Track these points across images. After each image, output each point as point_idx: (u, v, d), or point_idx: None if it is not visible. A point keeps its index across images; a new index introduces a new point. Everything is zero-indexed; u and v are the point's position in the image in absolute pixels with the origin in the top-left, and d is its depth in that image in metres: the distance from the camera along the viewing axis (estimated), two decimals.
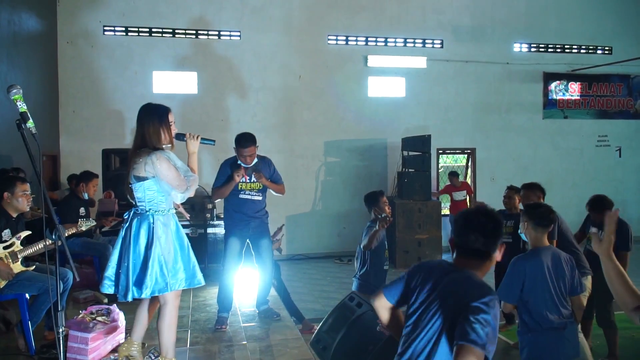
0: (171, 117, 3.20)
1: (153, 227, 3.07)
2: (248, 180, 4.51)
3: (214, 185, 4.58)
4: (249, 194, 4.53)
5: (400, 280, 2.27)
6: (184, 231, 3.27)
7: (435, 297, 2.06)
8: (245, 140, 4.40)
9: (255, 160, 4.49)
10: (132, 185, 3.14)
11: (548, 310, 3.16)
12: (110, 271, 3.15)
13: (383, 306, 2.32)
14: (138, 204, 3.15)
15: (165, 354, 3.19)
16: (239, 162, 4.47)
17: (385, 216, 4.58)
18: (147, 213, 3.11)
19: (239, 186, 4.48)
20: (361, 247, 4.76)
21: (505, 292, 3.26)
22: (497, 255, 2.15)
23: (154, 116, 3.14)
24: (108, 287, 3.14)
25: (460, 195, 9.89)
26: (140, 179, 3.08)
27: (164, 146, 3.15)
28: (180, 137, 3.27)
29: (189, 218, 4.40)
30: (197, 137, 3.30)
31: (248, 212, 4.52)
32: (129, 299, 3.07)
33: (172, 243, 3.12)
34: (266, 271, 4.66)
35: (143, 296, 3.06)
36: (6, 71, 6.79)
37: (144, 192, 3.10)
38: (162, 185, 3.09)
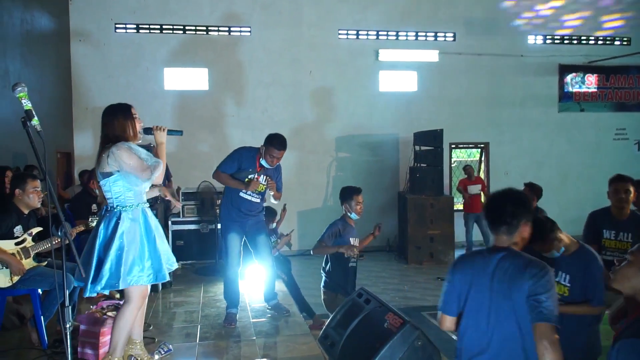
0: (134, 111, 3.22)
1: (117, 223, 3.05)
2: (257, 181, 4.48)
3: (221, 167, 4.46)
4: (249, 195, 4.48)
5: (449, 290, 2.34)
6: (156, 224, 3.25)
7: (493, 288, 2.19)
8: (280, 143, 4.34)
9: (269, 166, 4.47)
10: (100, 183, 3.14)
11: None
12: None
13: (451, 323, 2.36)
14: (108, 201, 3.15)
15: (112, 352, 3.14)
16: (262, 161, 4.40)
17: (349, 257, 4.40)
18: (115, 210, 3.10)
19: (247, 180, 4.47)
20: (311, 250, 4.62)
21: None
22: (525, 230, 2.28)
23: (117, 113, 3.16)
24: (75, 280, 3.24)
25: (475, 189, 9.79)
26: (105, 175, 3.09)
27: (129, 140, 3.14)
28: (148, 130, 3.31)
29: (179, 207, 4.41)
30: (164, 129, 3.32)
31: (246, 210, 4.50)
32: (85, 294, 3.09)
33: (140, 238, 3.10)
34: (268, 266, 4.65)
35: (96, 290, 3.04)
36: (20, 69, 6.86)
37: (110, 188, 3.10)
38: (129, 179, 3.08)
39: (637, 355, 1.78)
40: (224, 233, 4.57)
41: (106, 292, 3.45)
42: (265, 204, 4.77)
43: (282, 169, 4.74)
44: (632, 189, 3.98)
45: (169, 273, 3.29)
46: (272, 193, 4.55)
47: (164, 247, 3.26)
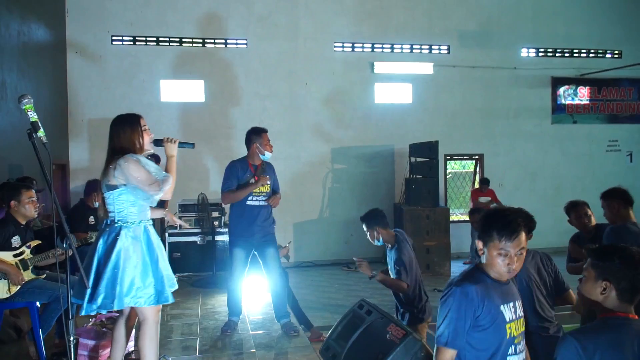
0: (143, 122, 3.13)
1: (116, 239, 2.92)
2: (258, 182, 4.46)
3: (223, 187, 4.47)
4: (256, 200, 4.46)
5: (460, 320, 2.20)
6: (159, 243, 3.11)
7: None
8: (261, 128, 4.52)
9: (268, 156, 4.49)
10: (104, 195, 3.05)
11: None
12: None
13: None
14: (109, 215, 3.03)
15: None
16: (264, 156, 4.46)
17: None
18: (116, 225, 2.98)
19: None
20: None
21: None
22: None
23: (125, 124, 3.08)
24: (72, 297, 2.98)
25: (484, 199, 9.87)
26: (110, 187, 2.98)
27: (137, 152, 3.05)
28: (158, 142, 3.22)
29: (186, 226, 4.38)
30: (175, 141, 3.23)
31: (254, 220, 4.45)
32: (82, 313, 2.92)
33: (142, 257, 2.96)
34: (275, 281, 4.53)
35: (91, 310, 2.90)
36: (16, 81, 6.85)
37: (114, 202, 2.99)
38: (136, 193, 2.98)
39: (565, 348, 2.04)
40: (231, 247, 4.56)
41: (103, 312, 3.28)
42: None
43: (279, 180, 4.76)
44: (589, 210, 4.31)
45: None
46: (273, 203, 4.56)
47: (166, 267, 3.11)
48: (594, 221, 4.38)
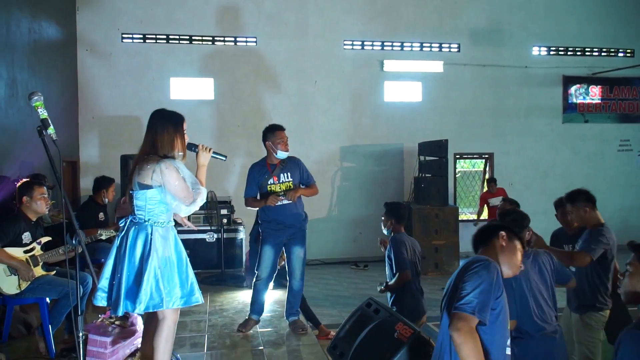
0: (185, 126, 3.08)
1: (151, 239, 2.88)
2: (277, 182, 4.35)
3: (246, 194, 4.44)
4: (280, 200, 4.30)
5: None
6: (182, 246, 3.07)
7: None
8: (278, 126, 4.34)
9: (286, 154, 4.33)
10: (134, 192, 2.97)
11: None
12: (104, 282, 2.96)
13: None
14: (137, 212, 2.96)
15: None
16: (278, 154, 4.27)
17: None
18: (146, 223, 2.92)
19: (269, 188, 4.32)
20: None
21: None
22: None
23: (168, 123, 3.00)
24: (101, 299, 2.97)
25: (496, 200, 9.76)
26: (144, 186, 2.91)
27: (175, 155, 2.99)
28: (193, 147, 3.15)
29: (194, 228, 4.37)
30: (210, 150, 3.17)
31: (282, 219, 4.35)
32: (119, 313, 2.89)
33: (170, 257, 2.94)
34: (297, 280, 4.46)
35: (137, 311, 2.89)
36: (27, 79, 6.91)
37: (146, 201, 2.93)
38: (166, 196, 2.92)
39: (635, 344, 1.96)
40: (261, 244, 4.46)
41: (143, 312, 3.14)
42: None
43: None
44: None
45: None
46: (302, 194, 4.42)
47: (192, 270, 3.09)
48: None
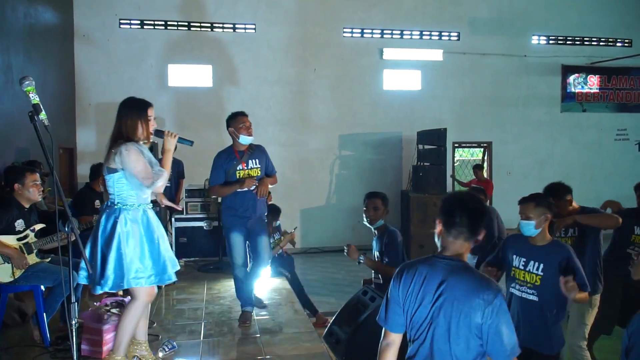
0: (150, 112, 3.17)
1: (117, 221, 3.02)
2: (245, 168, 4.27)
3: (210, 180, 4.36)
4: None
5: (391, 303, 2.11)
6: (158, 225, 3.19)
7: (444, 300, 1.99)
8: (240, 112, 4.27)
9: (251, 139, 4.26)
10: (105, 177, 3.13)
11: None
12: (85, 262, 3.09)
13: (395, 343, 2.14)
14: (110, 196, 3.13)
15: (115, 350, 3.10)
16: (241, 139, 4.18)
17: None
18: (116, 207, 3.07)
19: (237, 174, 4.25)
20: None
21: None
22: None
23: (133, 110, 3.14)
24: (83, 278, 3.12)
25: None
26: (111, 170, 3.06)
27: (140, 141, 3.12)
28: (159, 133, 3.25)
29: (179, 209, 4.32)
30: (175, 136, 3.25)
31: (244, 208, 4.27)
32: (96, 292, 3.04)
33: (140, 239, 3.05)
34: (257, 269, 4.39)
35: (105, 289, 3.02)
36: (22, 64, 6.84)
37: (114, 185, 3.08)
38: (132, 180, 3.04)
39: None
40: (227, 232, 4.37)
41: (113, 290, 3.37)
42: (270, 202, 4.64)
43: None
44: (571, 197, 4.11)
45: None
46: (270, 183, 4.35)
47: (167, 249, 3.19)
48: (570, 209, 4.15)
